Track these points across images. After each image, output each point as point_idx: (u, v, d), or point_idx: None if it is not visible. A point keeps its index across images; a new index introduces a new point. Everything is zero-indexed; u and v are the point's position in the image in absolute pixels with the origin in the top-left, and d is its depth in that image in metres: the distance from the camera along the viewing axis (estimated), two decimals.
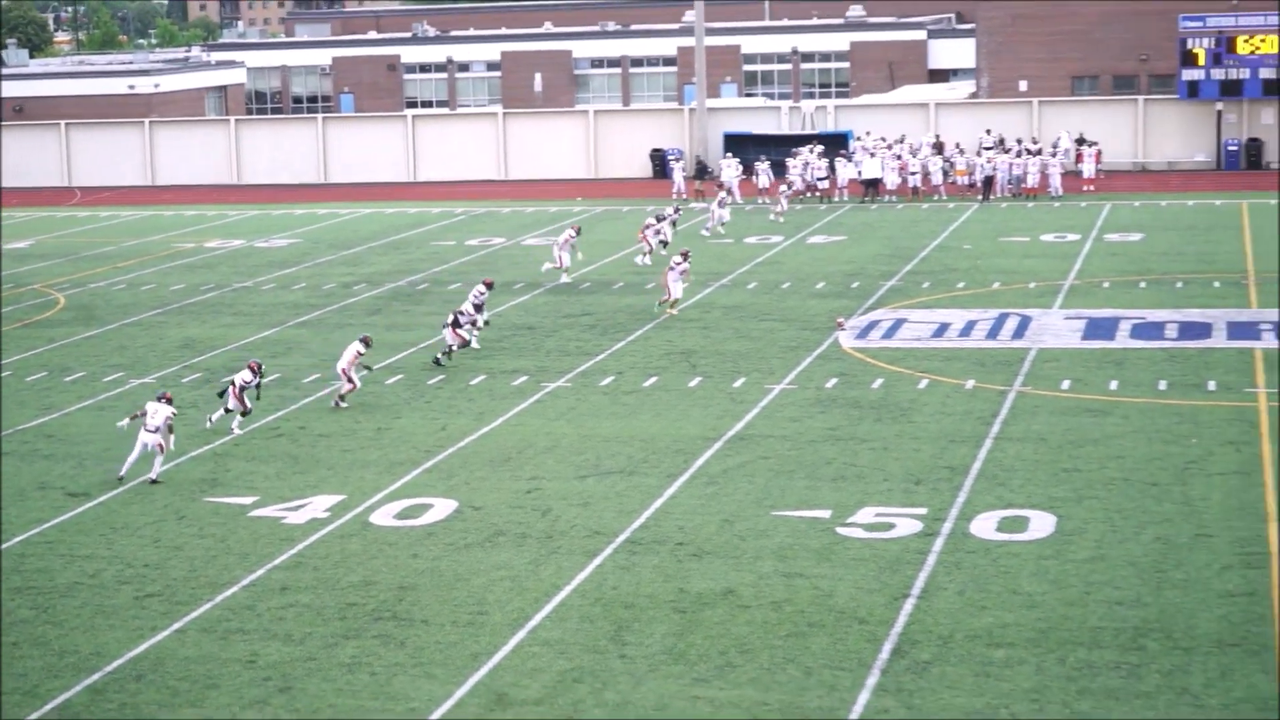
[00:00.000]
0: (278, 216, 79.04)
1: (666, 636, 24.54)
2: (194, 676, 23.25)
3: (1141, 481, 31.41)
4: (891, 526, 29.24)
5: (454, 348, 43.53)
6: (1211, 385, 38.61)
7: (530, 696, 22.55)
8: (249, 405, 37.22)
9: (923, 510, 30.05)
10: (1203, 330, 44.64)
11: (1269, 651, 23.21)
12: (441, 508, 31.41)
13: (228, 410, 37.21)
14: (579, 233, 57.50)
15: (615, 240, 65.55)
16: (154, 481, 33.37)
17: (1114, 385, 38.91)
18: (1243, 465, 32.20)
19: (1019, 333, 45.13)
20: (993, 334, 45.00)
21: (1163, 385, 38.77)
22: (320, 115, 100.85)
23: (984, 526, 29.09)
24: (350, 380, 39.06)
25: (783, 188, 73.04)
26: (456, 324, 43.30)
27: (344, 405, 39.15)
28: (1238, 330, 44.61)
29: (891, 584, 26.38)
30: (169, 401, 34.01)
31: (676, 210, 66.64)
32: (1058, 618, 24.75)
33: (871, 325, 47.03)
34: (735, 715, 21.72)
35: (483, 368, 43.06)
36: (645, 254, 58.67)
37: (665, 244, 59.92)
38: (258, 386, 37.93)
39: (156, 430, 33.18)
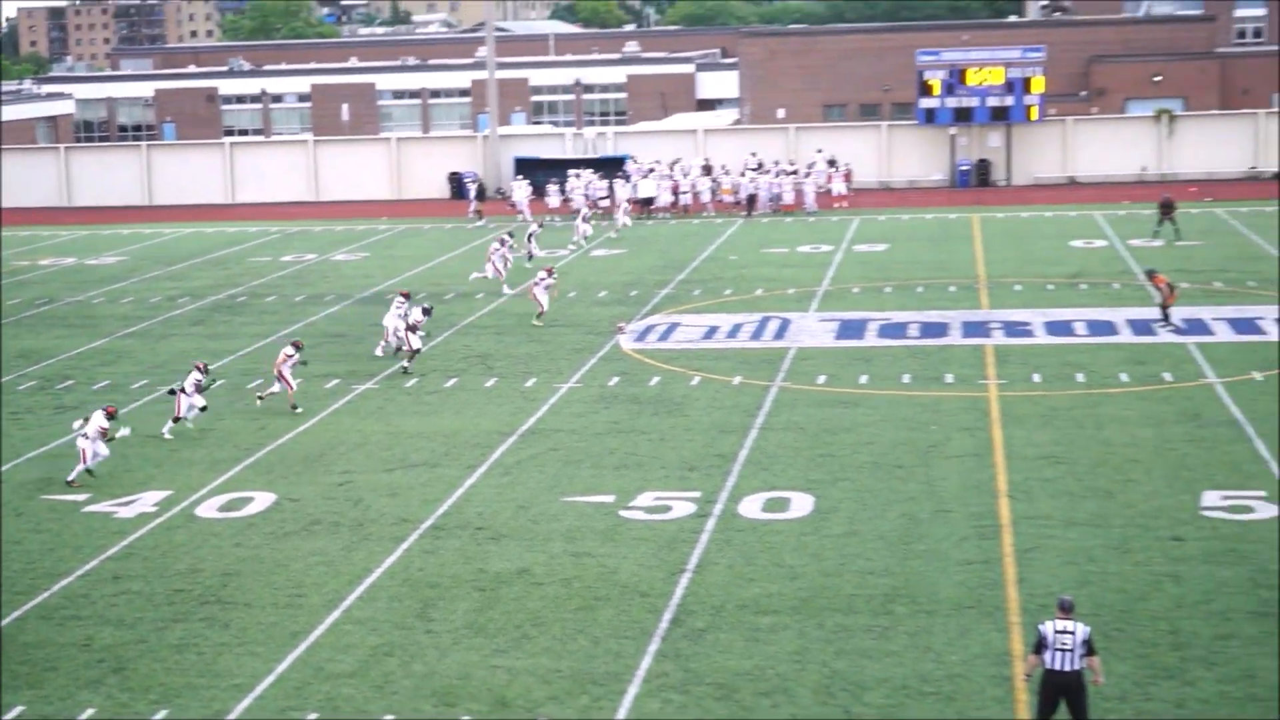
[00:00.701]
0: (106, 236, 77.41)
1: (468, 612, 24.55)
2: (34, 660, 22.87)
3: (889, 464, 31.97)
4: (669, 509, 29.46)
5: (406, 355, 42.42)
6: (949, 378, 39.37)
7: (345, 670, 22.48)
8: (204, 402, 36.29)
9: (696, 494, 30.31)
10: (940, 329, 45.51)
11: (1001, 612, 23.81)
12: (261, 500, 31.08)
13: (201, 409, 36.16)
14: (505, 243, 56.90)
15: (416, 255, 65.24)
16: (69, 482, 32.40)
17: (864, 379, 39.51)
18: (976, 449, 32.89)
19: (780, 334, 45.65)
20: (756, 336, 45.49)
21: (906, 379, 39.44)
22: (145, 143, 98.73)
23: (750, 507, 29.42)
24: (284, 379, 37.89)
25: (624, 204, 73.26)
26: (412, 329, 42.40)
27: (260, 403, 38.56)
28: (971, 329, 45.52)
29: (669, 560, 26.61)
30: (111, 415, 33.06)
31: (540, 225, 66.60)
32: (817, 587, 25.13)
33: (648, 329, 47.31)
34: (531, 682, 21.82)
35: (298, 372, 42.52)
36: (494, 274, 57.05)
37: (531, 257, 59.95)
38: (208, 384, 36.99)
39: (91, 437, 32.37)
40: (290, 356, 38.07)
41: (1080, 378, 39.01)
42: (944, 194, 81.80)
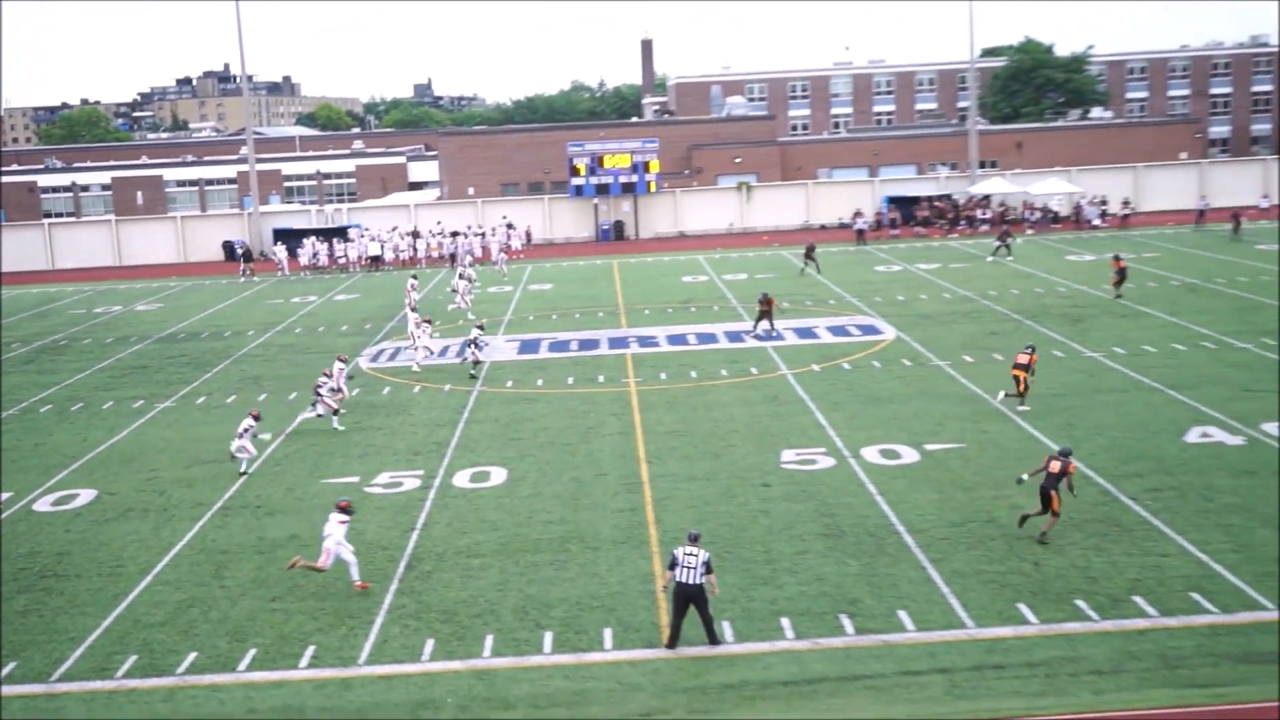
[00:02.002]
0: None
1: (252, 570, 23.93)
2: None
3: (560, 443, 32.16)
4: (401, 484, 29.11)
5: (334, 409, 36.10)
6: (600, 379, 39.79)
7: (157, 620, 21.71)
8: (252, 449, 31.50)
9: (420, 472, 30.01)
10: (593, 344, 45.94)
11: (645, 545, 24.18)
12: (86, 495, 29.63)
13: (242, 448, 30.93)
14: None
15: (199, 305, 62.90)
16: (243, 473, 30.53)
17: (540, 382, 39.66)
18: (622, 429, 33.33)
19: (479, 351, 45.47)
20: (460, 354, 45.16)
21: (570, 380, 39.72)
22: None
23: (461, 479, 29.27)
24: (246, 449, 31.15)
25: (501, 254, 71.57)
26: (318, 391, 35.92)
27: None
28: (615, 343, 46.05)
29: (402, 522, 26.31)
30: (256, 418, 31.37)
31: (471, 265, 64.70)
32: (512, 535, 25.14)
33: (380, 352, 46.60)
34: (302, 618, 21.38)
35: (111, 396, 40.76)
36: (464, 304, 55.53)
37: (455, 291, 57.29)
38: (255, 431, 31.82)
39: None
40: (249, 428, 31.61)
41: (693, 374, 39.84)
42: (591, 246, 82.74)
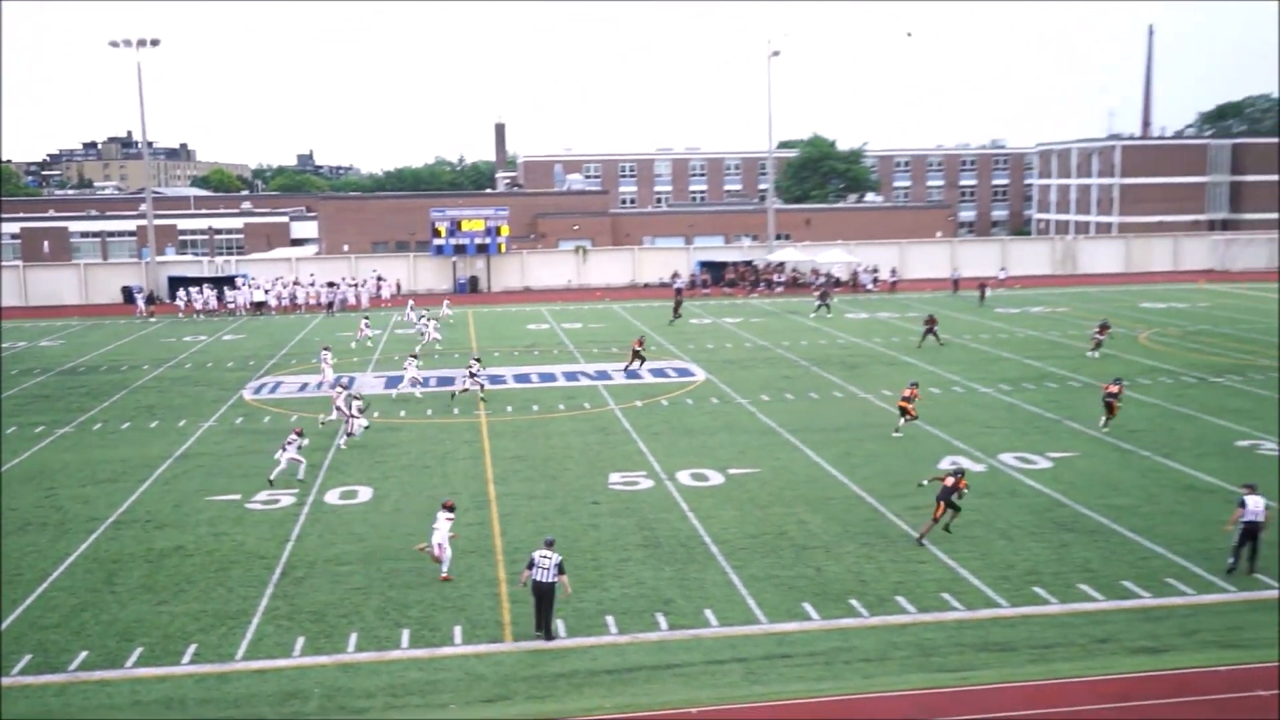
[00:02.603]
0: None
1: (141, 577, 22.88)
2: None
3: (419, 466, 31.62)
4: (278, 501, 28.22)
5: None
6: (455, 411, 39.28)
7: (52, 623, 20.59)
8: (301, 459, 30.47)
9: (295, 491, 29.15)
10: (450, 380, 45.28)
11: (492, 553, 23.87)
12: None
13: (292, 459, 29.87)
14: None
15: (99, 342, 60.23)
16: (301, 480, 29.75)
17: (403, 413, 38.97)
18: (473, 454, 32.94)
19: (349, 385, 44.47)
20: (332, 387, 44.12)
21: (429, 412, 39.12)
22: None
23: (332, 497, 28.53)
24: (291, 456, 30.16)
25: (445, 308, 68.21)
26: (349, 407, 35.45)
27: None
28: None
29: (279, 534, 25.50)
30: (300, 434, 30.51)
31: (424, 318, 61.60)
32: (376, 545, 24.59)
33: (262, 385, 45.23)
34: (185, 620, 20.53)
35: (14, 421, 38.66)
36: (432, 338, 55.47)
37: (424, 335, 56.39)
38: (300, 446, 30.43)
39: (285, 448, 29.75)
40: (293, 442, 30.24)
41: (535, 408, 39.63)
42: (450, 297, 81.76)
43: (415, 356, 43.75)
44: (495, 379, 45.55)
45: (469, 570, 22.86)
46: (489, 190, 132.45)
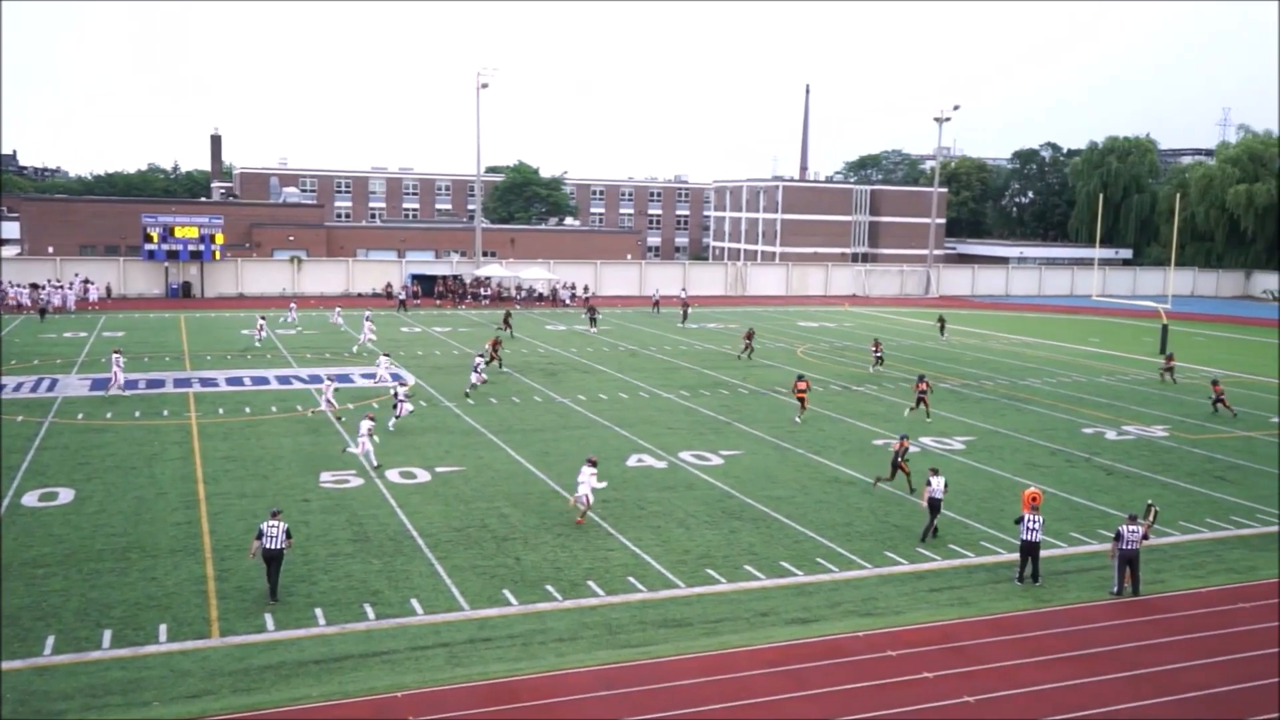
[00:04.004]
0: None
1: None
2: None
3: (126, 467, 29.27)
4: None
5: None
6: (165, 413, 36.71)
7: None
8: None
9: None
10: (160, 383, 42.29)
11: (200, 552, 22.42)
12: None
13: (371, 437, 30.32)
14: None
15: None
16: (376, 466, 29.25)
17: (110, 415, 36.00)
18: (184, 455, 30.86)
19: (50, 388, 40.67)
20: (34, 389, 40.30)
21: (138, 414, 36.34)
22: None
23: (30, 499, 25.92)
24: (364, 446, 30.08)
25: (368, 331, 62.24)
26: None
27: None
28: (179, 383, 42.63)
29: None
30: (371, 418, 30.67)
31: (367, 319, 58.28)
32: (76, 546, 22.55)
33: None
34: None
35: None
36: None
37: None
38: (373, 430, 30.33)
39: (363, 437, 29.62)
40: (370, 429, 30.25)
41: (247, 410, 37.61)
42: (162, 302, 76.47)
43: (388, 355, 43.59)
44: (208, 382, 42.91)
45: (175, 569, 21.33)
46: (204, 199, 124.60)
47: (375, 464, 29.59)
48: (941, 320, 66.28)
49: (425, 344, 56.53)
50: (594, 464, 25.52)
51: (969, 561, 23.25)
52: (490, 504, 26.53)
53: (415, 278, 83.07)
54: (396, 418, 34.48)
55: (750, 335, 54.82)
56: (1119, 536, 21.48)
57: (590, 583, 21.32)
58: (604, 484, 26.34)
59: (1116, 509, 27.31)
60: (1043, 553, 22.67)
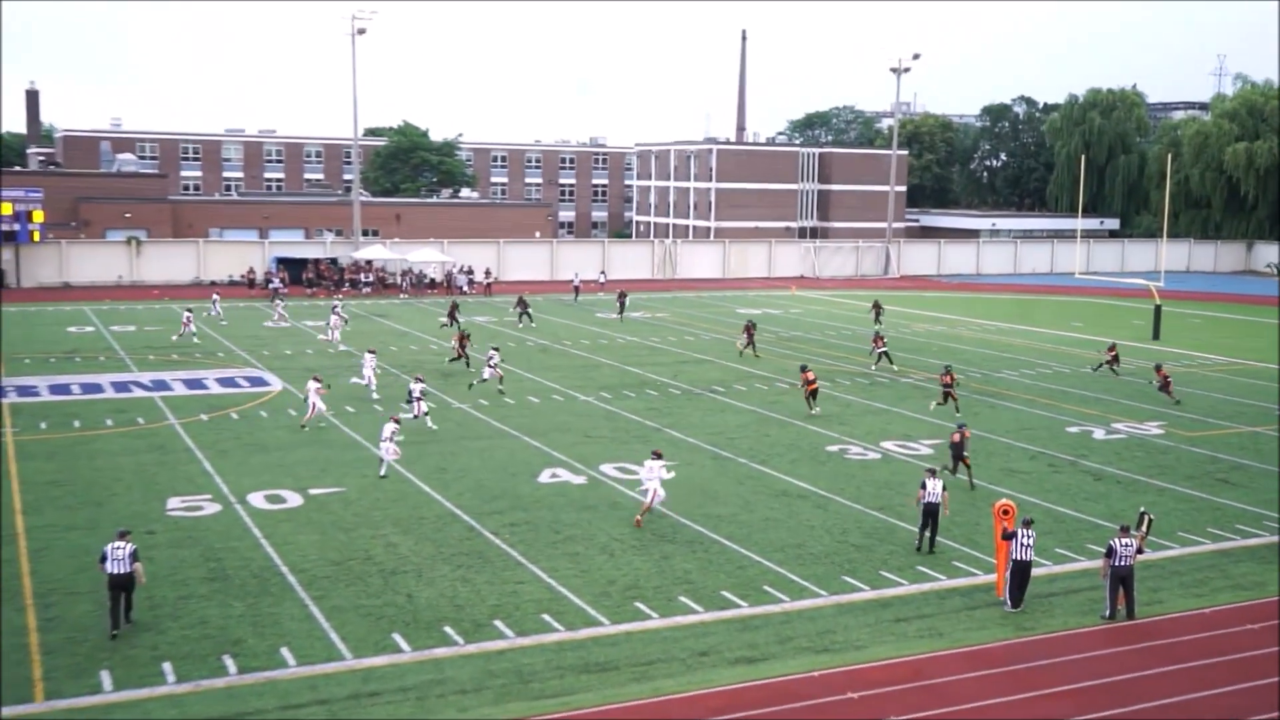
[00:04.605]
0: None
1: None
2: None
3: None
4: None
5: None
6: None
7: None
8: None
9: None
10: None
11: (20, 596, 21.77)
12: None
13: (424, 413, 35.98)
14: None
15: None
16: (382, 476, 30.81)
17: None
18: None
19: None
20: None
21: None
22: None
23: None
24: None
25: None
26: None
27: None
28: None
29: None
30: (398, 421, 32.05)
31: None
32: None
33: None
34: None
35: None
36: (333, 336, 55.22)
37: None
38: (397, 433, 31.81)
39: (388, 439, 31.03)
40: (394, 432, 31.75)
41: (77, 423, 36.72)
42: None
43: (373, 352, 44.26)
44: (26, 390, 41.78)
45: None
46: (19, 169, 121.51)
47: (383, 475, 30.96)
48: (877, 306, 65.45)
49: (295, 341, 55.75)
50: (660, 456, 27.62)
51: (940, 585, 23.59)
52: (376, 531, 26.24)
53: (281, 262, 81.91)
54: (422, 415, 36.53)
55: (751, 328, 54.51)
56: (1111, 552, 21.91)
57: (497, 622, 21.19)
58: (672, 474, 28.70)
59: (1107, 519, 27.94)
60: (1006, 569, 23.05)
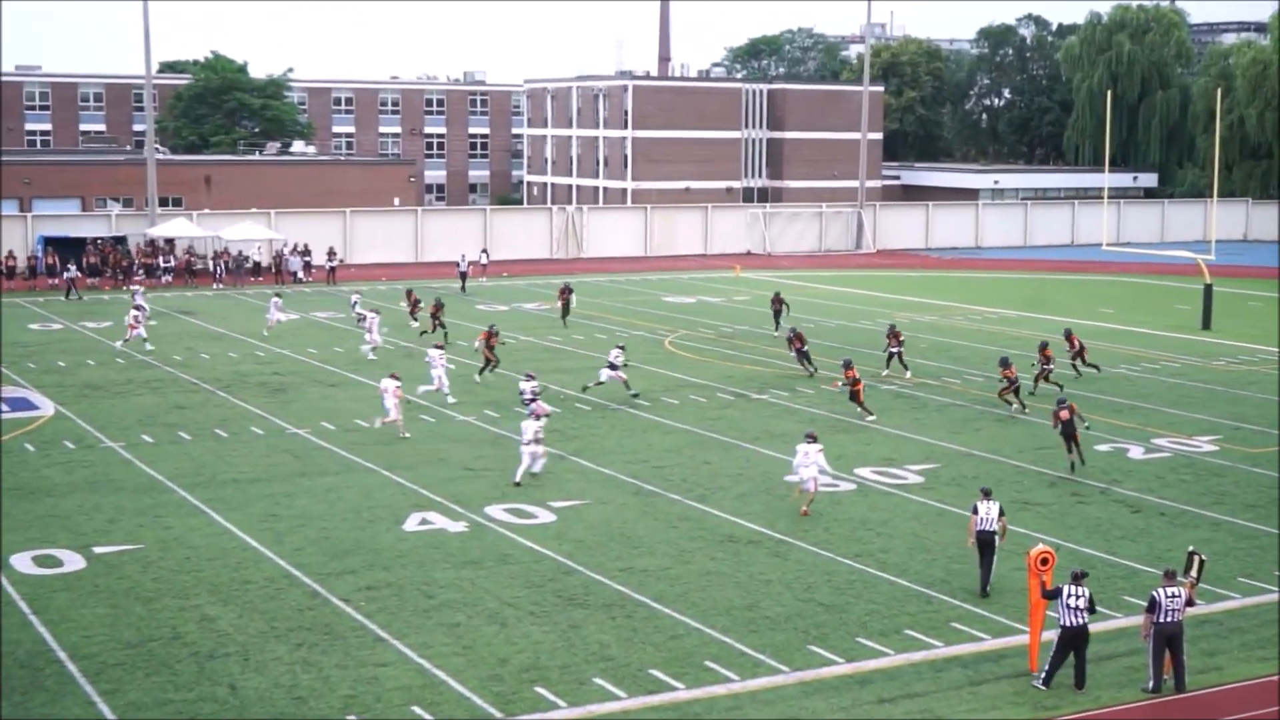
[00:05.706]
0: None
1: None
2: None
3: None
4: None
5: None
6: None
7: None
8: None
9: None
10: None
11: None
12: None
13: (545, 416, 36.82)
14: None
15: None
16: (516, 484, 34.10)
17: None
18: None
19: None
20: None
21: None
22: None
23: None
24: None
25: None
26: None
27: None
28: None
29: None
30: (537, 417, 35.47)
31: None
32: None
33: None
34: None
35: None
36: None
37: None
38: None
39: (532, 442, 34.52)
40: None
41: None
42: None
43: (440, 348, 46.61)
44: None
45: None
46: None
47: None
48: (779, 300, 62.37)
49: (71, 349, 55.11)
50: (815, 439, 31.99)
51: (935, 654, 23.83)
52: (185, 601, 26.01)
53: (49, 242, 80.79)
54: (542, 414, 37.21)
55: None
56: (1153, 605, 22.19)
57: (351, 718, 21.08)
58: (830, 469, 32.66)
59: (1149, 564, 28.41)
60: (1041, 634, 23.40)
